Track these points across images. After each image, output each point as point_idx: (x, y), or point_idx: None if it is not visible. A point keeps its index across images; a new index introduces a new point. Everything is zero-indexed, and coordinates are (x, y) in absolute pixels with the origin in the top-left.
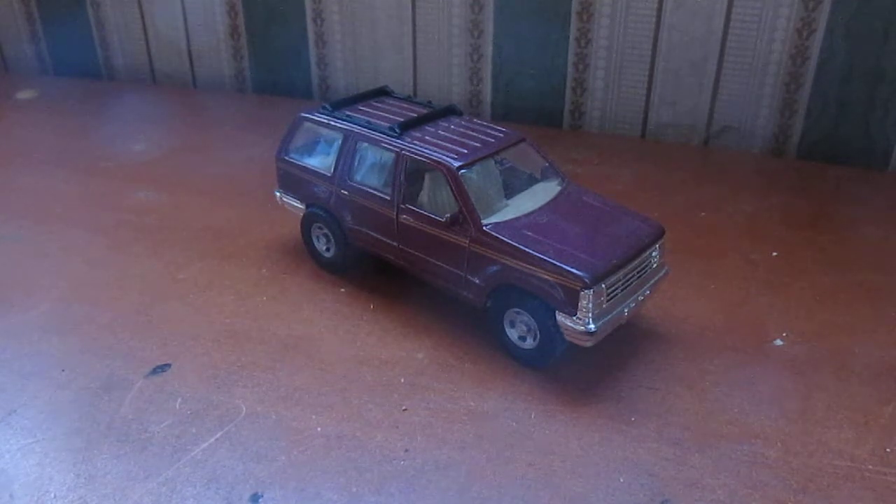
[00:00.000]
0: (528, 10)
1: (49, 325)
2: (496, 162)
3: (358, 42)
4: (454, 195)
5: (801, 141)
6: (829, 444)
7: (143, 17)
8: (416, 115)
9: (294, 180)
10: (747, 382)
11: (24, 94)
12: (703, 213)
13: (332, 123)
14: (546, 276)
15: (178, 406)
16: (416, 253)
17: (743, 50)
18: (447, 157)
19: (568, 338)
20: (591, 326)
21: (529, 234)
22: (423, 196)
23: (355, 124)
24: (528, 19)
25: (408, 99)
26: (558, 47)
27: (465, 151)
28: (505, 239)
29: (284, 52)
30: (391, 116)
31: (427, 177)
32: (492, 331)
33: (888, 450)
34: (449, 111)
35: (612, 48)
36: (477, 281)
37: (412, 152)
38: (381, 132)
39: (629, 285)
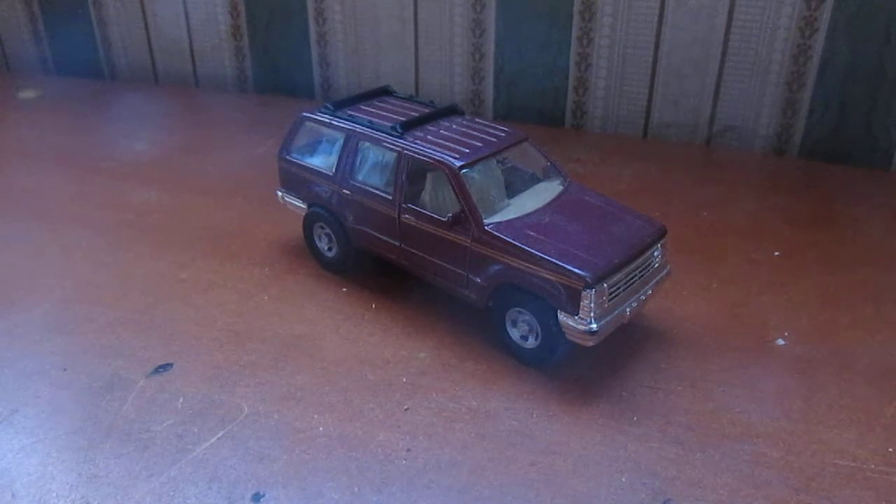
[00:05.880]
0: (530, 10)
1: (51, 325)
2: (498, 161)
3: (360, 41)
4: (456, 195)
5: (803, 140)
6: (831, 444)
7: (145, 16)
8: (417, 114)
9: (296, 180)
10: (749, 382)
11: (26, 94)
12: (704, 213)
13: (334, 123)
14: (548, 276)
15: (180, 405)
16: (418, 252)
17: (745, 49)
18: (449, 156)
19: (570, 337)
20: (593, 326)
21: (531, 233)
22: (425, 196)
23: (357, 124)
24: (530, 19)
25: (410, 98)
26: (560, 47)
27: (467, 151)
28: (507, 238)
29: (286, 52)
30: (393, 116)
31: (429, 176)
32: (494, 330)
33: (890, 449)
34: (451, 111)
35: (613, 47)
36: (479, 280)
37: (414, 152)
38: (382, 132)
39: (631, 285)
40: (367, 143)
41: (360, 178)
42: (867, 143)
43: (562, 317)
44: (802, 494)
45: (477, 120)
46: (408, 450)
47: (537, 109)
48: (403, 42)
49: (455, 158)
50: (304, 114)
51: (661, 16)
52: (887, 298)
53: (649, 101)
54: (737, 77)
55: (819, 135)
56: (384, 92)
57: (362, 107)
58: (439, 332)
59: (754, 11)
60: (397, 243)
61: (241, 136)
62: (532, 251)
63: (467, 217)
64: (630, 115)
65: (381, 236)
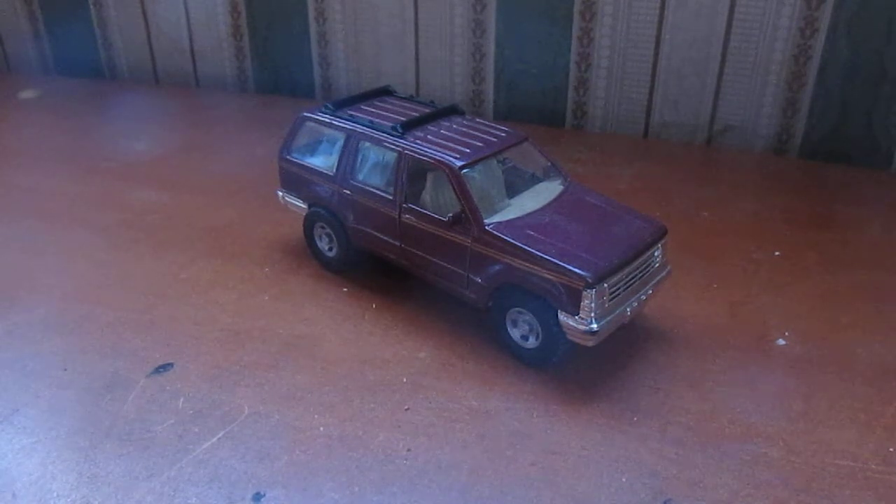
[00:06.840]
0: (531, 10)
1: (51, 325)
2: (498, 161)
3: (360, 41)
4: (456, 195)
5: (803, 140)
6: (831, 444)
7: (145, 16)
8: (418, 114)
9: (296, 180)
10: (749, 382)
11: (26, 94)
12: (705, 213)
13: (335, 123)
14: (548, 276)
15: (180, 405)
16: (419, 252)
17: (745, 49)
18: (449, 156)
19: (570, 337)
20: (594, 326)
21: (532, 233)
22: (426, 195)
23: (358, 124)
24: (531, 18)
25: (410, 98)
26: (560, 46)
27: (468, 151)
28: (507, 238)
29: (287, 52)
30: (393, 116)
31: (429, 176)
32: (494, 330)
33: (891, 449)
34: (451, 111)
35: (614, 47)
36: (479, 280)
37: (414, 152)
38: (383, 132)
39: (631, 285)
40: (367, 143)
41: (360, 178)
42: (867, 143)
43: (562, 317)
44: (802, 495)
45: (477, 120)
46: (408, 450)
47: (538, 109)
48: (404, 42)
49: (456, 158)
50: (305, 114)
51: (661, 16)
52: (887, 298)
53: (649, 101)
54: (737, 77)
55: (819, 135)
56: (384, 92)
57: (363, 107)
58: (439, 332)
59: (754, 11)
60: (398, 243)
61: (242, 136)
62: (532, 251)
63: (468, 217)
64: (630, 115)
65: (381, 236)
